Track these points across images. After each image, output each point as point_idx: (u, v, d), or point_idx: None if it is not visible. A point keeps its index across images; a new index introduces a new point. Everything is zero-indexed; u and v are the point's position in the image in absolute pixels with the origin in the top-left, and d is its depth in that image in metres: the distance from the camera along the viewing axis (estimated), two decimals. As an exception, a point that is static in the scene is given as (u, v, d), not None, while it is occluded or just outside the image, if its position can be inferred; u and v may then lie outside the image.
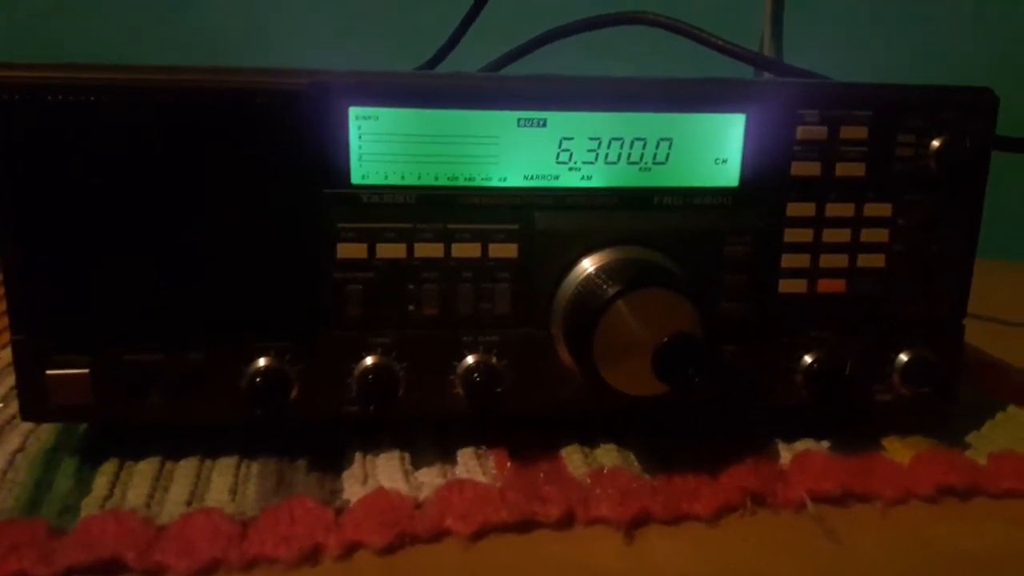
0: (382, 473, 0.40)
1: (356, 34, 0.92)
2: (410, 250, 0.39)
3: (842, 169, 0.42)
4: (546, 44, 0.60)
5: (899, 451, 0.44)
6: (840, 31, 0.93)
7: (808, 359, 0.43)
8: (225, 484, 0.39)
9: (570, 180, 0.40)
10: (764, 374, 0.43)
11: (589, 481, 0.40)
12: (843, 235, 0.43)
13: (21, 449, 0.41)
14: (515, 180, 0.40)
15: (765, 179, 0.41)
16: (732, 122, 0.41)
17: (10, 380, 0.47)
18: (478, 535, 0.37)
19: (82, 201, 0.37)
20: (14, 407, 0.42)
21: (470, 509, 0.37)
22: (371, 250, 0.39)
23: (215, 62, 0.38)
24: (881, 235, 0.43)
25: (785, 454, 0.43)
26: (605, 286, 0.38)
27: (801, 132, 0.41)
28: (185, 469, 0.40)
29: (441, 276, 0.40)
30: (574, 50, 0.60)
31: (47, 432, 0.42)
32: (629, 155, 0.41)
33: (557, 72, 0.41)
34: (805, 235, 0.42)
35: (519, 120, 0.39)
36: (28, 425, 0.42)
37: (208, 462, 0.41)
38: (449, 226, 0.40)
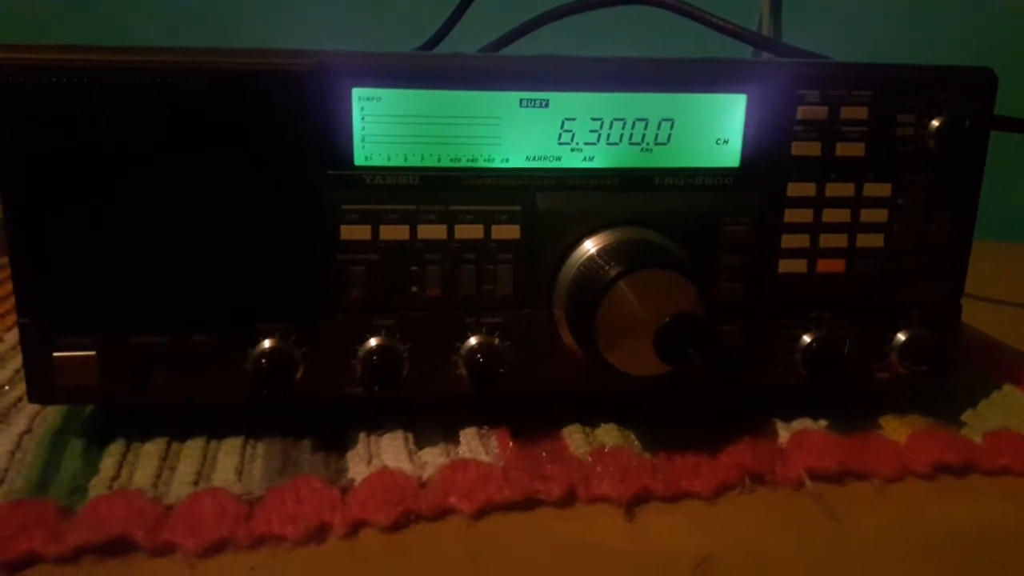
0: (386, 453, 0.40)
1: (353, 15, 0.92)
2: (413, 232, 0.40)
3: (842, 149, 0.42)
4: (545, 24, 0.60)
5: (896, 430, 0.44)
6: (837, 10, 0.93)
7: (807, 339, 0.44)
8: (231, 464, 0.39)
9: (572, 161, 0.41)
10: (763, 353, 0.44)
11: (590, 460, 0.40)
12: (843, 215, 0.43)
13: (28, 431, 0.41)
14: (517, 161, 0.40)
15: (766, 159, 0.42)
16: (733, 103, 0.41)
17: (15, 362, 0.48)
18: (481, 513, 0.37)
19: (86, 183, 0.37)
20: (20, 389, 0.42)
21: (473, 488, 0.38)
22: (374, 232, 0.39)
23: (217, 43, 0.38)
24: (880, 215, 0.43)
25: (783, 433, 0.43)
26: (607, 267, 0.38)
27: (802, 112, 0.41)
28: (191, 449, 0.40)
29: (444, 257, 0.40)
30: (572, 30, 0.60)
31: (53, 414, 0.43)
32: (631, 136, 0.41)
33: (556, 52, 0.41)
34: (805, 215, 0.43)
35: (521, 100, 0.39)
36: (34, 407, 0.43)
37: (214, 443, 0.41)
38: (452, 208, 0.40)
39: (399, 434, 0.42)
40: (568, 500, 0.38)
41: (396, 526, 0.36)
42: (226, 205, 0.38)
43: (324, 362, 0.40)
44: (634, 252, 0.39)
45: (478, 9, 0.65)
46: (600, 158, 0.41)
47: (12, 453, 0.39)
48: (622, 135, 0.41)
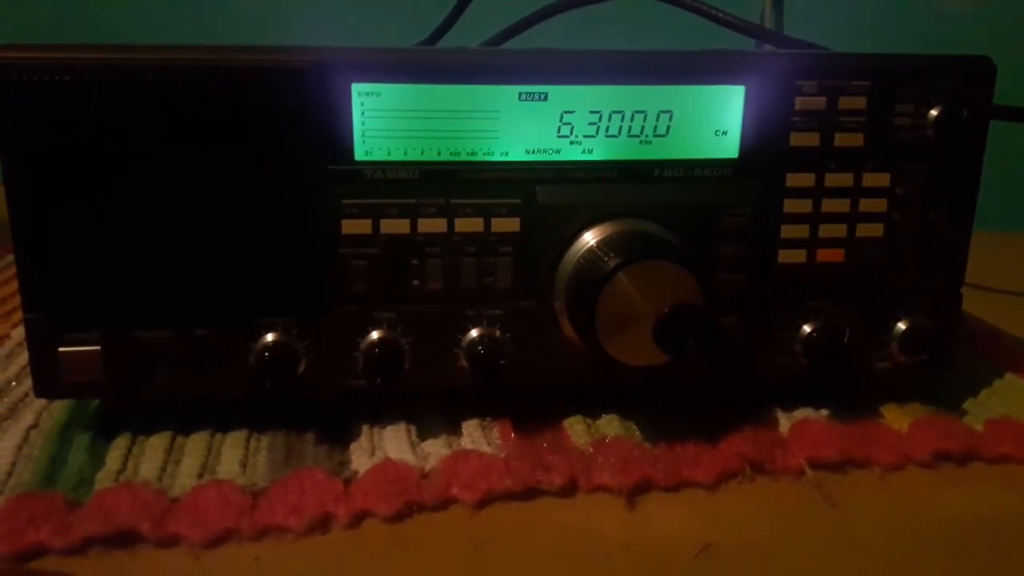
0: (389, 444, 0.41)
1: (354, 11, 0.92)
2: (414, 225, 0.40)
3: (841, 139, 0.42)
4: (546, 18, 0.60)
5: (897, 418, 0.44)
6: (839, 1, 0.93)
7: (807, 328, 0.44)
8: (236, 457, 0.39)
9: (571, 154, 0.41)
10: (763, 344, 0.44)
11: (591, 450, 0.40)
12: (842, 205, 0.43)
13: (35, 425, 0.41)
14: (517, 154, 0.40)
15: (765, 150, 0.42)
16: (732, 94, 0.41)
17: (22, 358, 0.48)
18: (483, 503, 0.37)
19: (90, 180, 0.37)
20: (26, 384, 0.42)
21: (475, 478, 0.38)
22: (375, 226, 0.40)
23: (217, 40, 0.39)
24: (879, 205, 0.43)
25: (784, 422, 0.44)
26: (606, 258, 0.38)
27: (800, 103, 0.41)
28: (196, 443, 0.40)
29: (444, 251, 0.40)
30: (574, 24, 0.60)
31: (60, 408, 0.43)
32: (630, 128, 0.41)
33: (557, 46, 0.41)
34: (804, 206, 0.43)
35: (520, 94, 0.40)
36: (41, 402, 0.43)
37: (219, 436, 0.41)
38: (452, 201, 0.40)
39: (401, 426, 0.42)
40: (569, 490, 0.38)
41: (399, 516, 0.36)
42: (228, 200, 0.38)
43: (326, 355, 0.41)
44: (633, 243, 0.39)
45: (479, 4, 0.65)
46: (599, 150, 0.41)
47: (19, 447, 0.39)
48: (621, 127, 0.41)
